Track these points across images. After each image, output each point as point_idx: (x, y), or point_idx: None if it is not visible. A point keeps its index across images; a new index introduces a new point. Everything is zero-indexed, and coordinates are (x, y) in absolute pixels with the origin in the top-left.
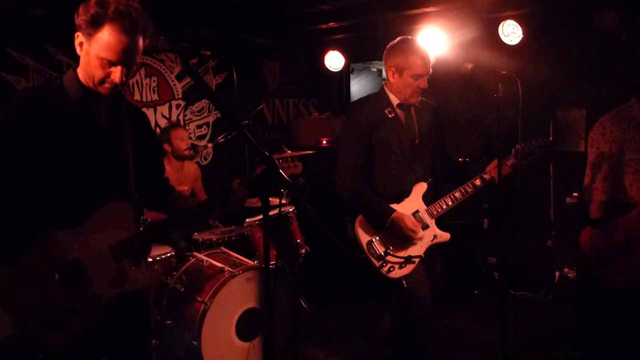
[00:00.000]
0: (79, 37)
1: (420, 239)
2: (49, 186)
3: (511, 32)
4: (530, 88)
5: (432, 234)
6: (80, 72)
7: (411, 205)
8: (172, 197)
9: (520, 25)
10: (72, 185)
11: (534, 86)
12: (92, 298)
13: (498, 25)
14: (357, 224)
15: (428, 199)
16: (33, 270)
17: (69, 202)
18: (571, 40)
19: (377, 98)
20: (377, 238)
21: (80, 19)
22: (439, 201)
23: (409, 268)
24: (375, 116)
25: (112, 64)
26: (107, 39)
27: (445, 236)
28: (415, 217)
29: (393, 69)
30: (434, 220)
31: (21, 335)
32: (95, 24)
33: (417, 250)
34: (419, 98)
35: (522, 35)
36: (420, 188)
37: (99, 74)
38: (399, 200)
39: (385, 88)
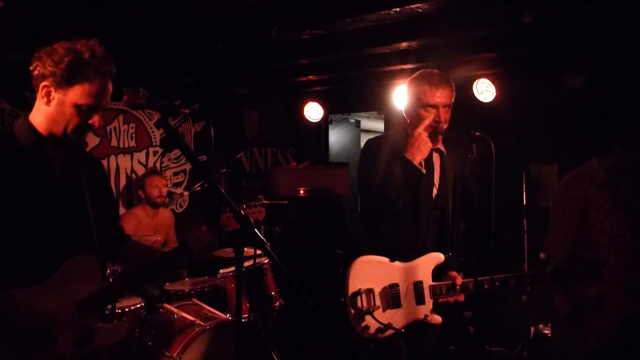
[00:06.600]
0: (46, 87)
1: (409, 306)
2: (5, 240)
3: (485, 90)
4: (504, 143)
5: (423, 312)
6: (36, 119)
7: (417, 271)
8: (127, 247)
9: (494, 84)
10: (30, 238)
11: (507, 142)
12: None
13: (472, 84)
14: (353, 265)
15: (437, 273)
16: None
17: (28, 256)
18: (541, 99)
19: (394, 137)
20: (367, 290)
21: (48, 68)
22: (447, 283)
23: (385, 334)
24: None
25: (91, 109)
26: (88, 86)
27: (436, 319)
28: (414, 287)
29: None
30: (432, 300)
31: None
32: (72, 72)
33: (400, 321)
34: (440, 137)
35: (495, 93)
36: (434, 259)
37: (75, 121)
38: (405, 258)
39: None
